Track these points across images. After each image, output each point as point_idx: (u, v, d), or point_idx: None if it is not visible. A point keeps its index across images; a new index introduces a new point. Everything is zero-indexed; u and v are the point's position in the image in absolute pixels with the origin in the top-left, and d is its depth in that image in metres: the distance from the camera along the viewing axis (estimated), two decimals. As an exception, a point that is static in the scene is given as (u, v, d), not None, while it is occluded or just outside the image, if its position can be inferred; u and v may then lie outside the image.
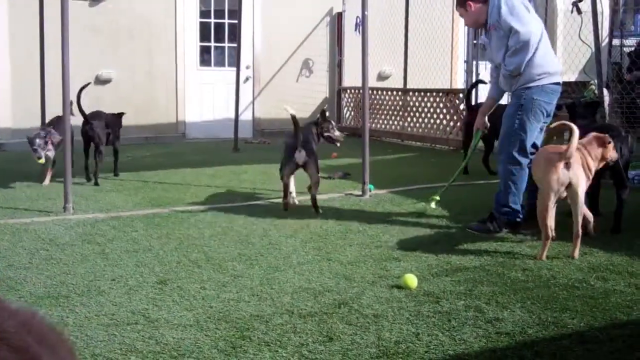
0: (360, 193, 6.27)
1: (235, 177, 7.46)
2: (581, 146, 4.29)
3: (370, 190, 6.30)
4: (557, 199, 4.16)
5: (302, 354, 2.79)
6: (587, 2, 7.51)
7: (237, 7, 10.36)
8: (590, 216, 4.52)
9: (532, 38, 4.60)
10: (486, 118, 5.17)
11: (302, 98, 11.87)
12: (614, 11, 8.60)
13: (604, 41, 8.62)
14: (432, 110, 10.38)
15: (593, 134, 4.43)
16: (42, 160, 6.65)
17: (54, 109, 7.35)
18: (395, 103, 11.26)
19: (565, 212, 5.20)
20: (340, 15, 12.24)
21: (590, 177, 4.29)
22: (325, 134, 6.20)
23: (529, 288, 3.60)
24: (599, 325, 3.06)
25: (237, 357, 2.77)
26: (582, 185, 4.08)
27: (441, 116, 10.18)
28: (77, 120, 6.87)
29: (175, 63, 11.34)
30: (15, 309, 0.97)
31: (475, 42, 9.48)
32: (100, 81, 10.79)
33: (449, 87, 11.63)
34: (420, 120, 10.68)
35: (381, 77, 12.46)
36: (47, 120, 7.67)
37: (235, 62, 10.41)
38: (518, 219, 4.83)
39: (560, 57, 8.29)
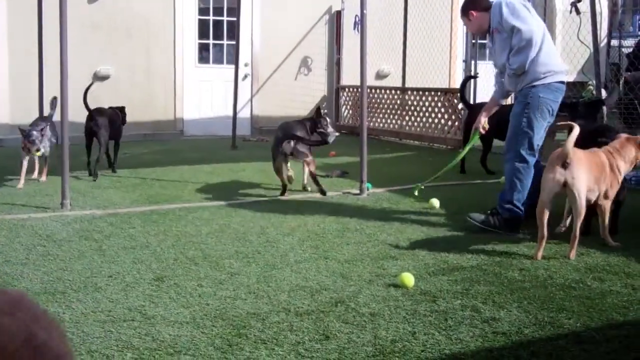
0: (358, 192, 6.28)
1: (233, 174, 7.45)
2: (612, 148, 4.32)
3: (368, 189, 6.30)
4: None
5: (299, 352, 2.80)
6: (586, 3, 7.52)
7: (235, 5, 10.35)
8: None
9: (534, 36, 4.65)
10: (486, 120, 5.18)
11: (301, 96, 11.87)
12: (612, 12, 8.61)
13: (603, 42, 8.64)
14: (430, 109, 10.38)
15: (624, 135, 4.47)
16: (40, 153, 6.60)
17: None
18: (393, 102, 11.26)
19: (561, 211, 5.22)
20: (339, 14, 12.24)
21: (619, 180, 4.31)
22: (318, 130, 6.40)
23: (525, 288, 3.60)
24: (596, 326, 3.06)
25: (234, 355, 2.77)
26: (579, 186, 4.07)
27: (439, 115, 10.19)
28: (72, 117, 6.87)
29: (173, 60, 11.33)
30: (3, 290, 0.97)
31: (474, 41, 9.48)
32: (99, 78, 10.76)
33: (447, 87, 11.63)
34: (418, 119, 10.68)
35: (379, 75, 12.45)
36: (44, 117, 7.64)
37: (234, 59, 10.41)
38: (519, 217, 4.85)
39: (558, 58, 8.28)
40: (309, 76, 12.29)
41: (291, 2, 11.87)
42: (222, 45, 11.88)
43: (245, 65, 11.63)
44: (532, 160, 4.79)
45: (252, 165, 7.69)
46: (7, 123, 10.09)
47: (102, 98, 10.77)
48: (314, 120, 6.53)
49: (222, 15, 11.79)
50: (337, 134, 6.71)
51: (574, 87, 8.72)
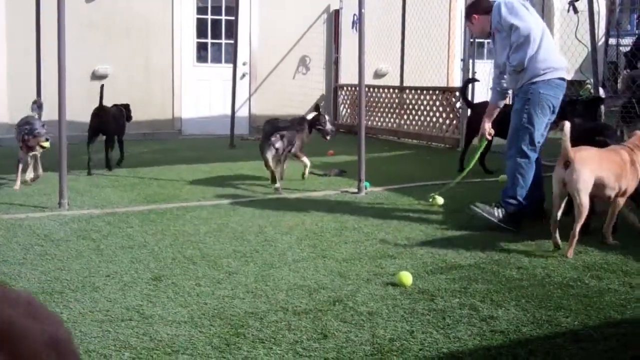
0: (356, 190, 6.27)
1: (231, 173, 7.45)
2: (632, 145, 4.38)
3: (366, 188, 6.30)
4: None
5: (297, 351, 2.79)
6: (584, 2, 7.52)
7: (234, 4, 10.34)
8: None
9: (532, 33, 4.72)
10: (490, 125, 5.23)
11: (299, 95, 11.87)
12: (610, 11, 8.62)
13: (600, 40, 8.64)
14: (428, 108, 10.38)
15: None
16: (48, 144, 6.32)
17: (50, 104, 7.31)
18: (391, 101, 11.26)
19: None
20: (337, 13, 12.23)
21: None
22: (317, 126, 6.70)
23: (523, 286, 3.60)
24: (593, 324, 3.06)
25: (231, 354, 2.77)
26: (578, 187, 4.09)
27: (437, 114, 10.19)
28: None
29: (171, 59, 11.31)
30: (16, 290, 0.97)
31: (471, 40, 9.48)
32: (97, 77, 10.76)
33: (445, 86, 11.63)
34: (416, 118, 10.68)
35: (378, 74, 12.45)
36: (42, 115, 7.62)
37: (232, 58, 10.40)
38: (522, 212, 4.89)
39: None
40: (307, 75, 12.29)
41: (289, 1, 11.86)
42: (220, 44, 11.87)
43: (244, 64, 11.62)
44: (533, 156, 4.85)
45: (250, 164, 7.68)
46: (6, 122, 10.07)
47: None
48: (313, 117, 6.77)
49: (221, 14, 11.78)
50: (333, 131, 7.02)
51: (571, 86, 8.71)
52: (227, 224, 5.08)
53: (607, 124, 5.13)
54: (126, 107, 8.16)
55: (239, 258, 4.17)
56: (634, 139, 4.43)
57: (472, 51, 9.53)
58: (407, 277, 3.63)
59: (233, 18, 10.46)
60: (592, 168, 4.13)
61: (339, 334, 2.97)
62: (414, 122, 10.76)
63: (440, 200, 5.74)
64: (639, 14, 10.15)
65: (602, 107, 7.32)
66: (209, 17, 11.72)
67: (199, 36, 11.64)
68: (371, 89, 11.58)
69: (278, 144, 6.37)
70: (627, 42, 9.01)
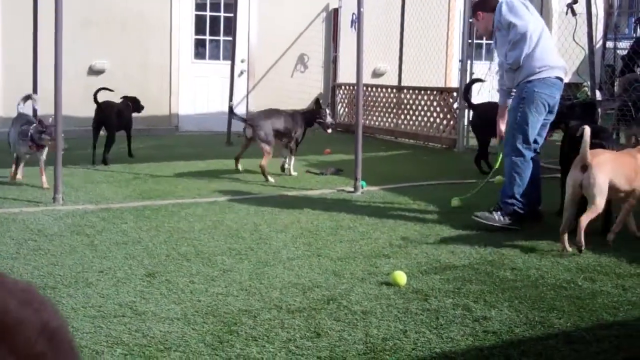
0: (352, 189, 6.27)
1: (227, 170, 7.44)
2: None
3: (362, 187, 6.30)
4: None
5: (290, 350, 2.79)
6: (582, 4, 7.53)
7: (233, 1, 10.33)
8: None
9: (529, 31, 4.75)
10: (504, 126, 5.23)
11: (297, 93, 11.85)
12: (608, 14, 8.63)
13: (598, 43, 8.65)
14: (425, 108, 10.38)
15: None
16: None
17: (46, 99, 7.29)
18: (389, 100, 11.26)
19: (555, 211, 5.23)
20: (336, 12, 12.22)
21: None
22: (318, 119, 6.96)
23: (517, 287, 3.61)
24: (586, 326, 3.07)
25: (224, 352, 2.77)
26: (595, 190, 4.14)
27: (435, 114, 10.19)
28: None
29: (169, 56, 11.30)
30: (15, 279, 0.97)
31: (470, 41, 9.48)
32: (94, 72, 10.75)
33: (443, 86, 11.63)
34: (414, 117, 10.68)
35: (376, 74, 12.45)
36: (39, 110, 7.60)
37: (230, 55, 10.39)
38: (522, 210, 4.91)
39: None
40: (306, 73, 12.28)
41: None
42: (218, 41, 11.86)
43: (242, 61, 11.61)
44: (528, 154, 4.87)
45: (247, 162, 7.66)
46: (1, 116, 10.06)
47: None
48: (314, 111, 7.05)
49: (219, 11, 11.77)
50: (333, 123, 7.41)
51: (569, 88, 8.73)
52: (222, 221, 5.07)
53: (603, 127, 5.14)
54: (134, 99, 8.32)
55: (234, 255, 4.17)
56: None
57: (471, 52, 9.53)
58: (401, 277, 3.63)
59: (232, 15, 10.45)
60: (608, 172, 4.19)
61: (332, 332, 2.97)
62: (411, 122, 10.76)
63: (456, 201, 5.66)
64: (636, 17, 10.16)
65: (600, 110, 7.33)
66: (208, 13, 11.71)
67: (197, 33, 11.63)
68: (369, 88, 11.58)
69: (251, 135, 6.86)
70: (625, 45, 9.02)
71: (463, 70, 9.44)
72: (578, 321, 3.12)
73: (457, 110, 9.53)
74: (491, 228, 4.82)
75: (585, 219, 4.17)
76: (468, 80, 9.32)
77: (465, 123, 9.46)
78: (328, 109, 7.20)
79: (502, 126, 5.21)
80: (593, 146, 4.57)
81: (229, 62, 10.36)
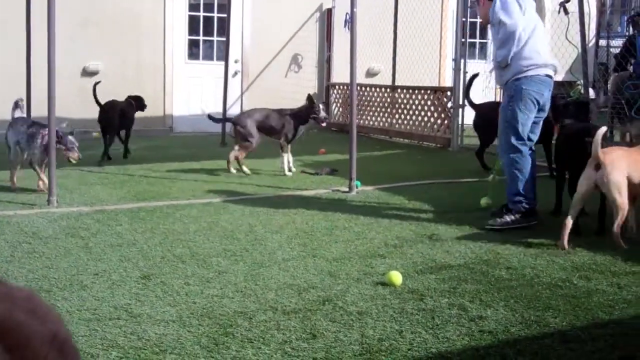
0: (347, 189, 6.27)
1: (221, 171, 7.43)
2: None
3: (357, 187, 6.30)
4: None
5: (285, 351, 2.79)
6: (574, 3, 7.54)
7: (226, 1, 10.32)
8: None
9: (517, 30, 4.78)
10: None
11: (291, 93, 11.83)
12: (600, 12, 8.65)
13: (591, 42, 8.67)
14: (420, 107, 10.40)
15: None
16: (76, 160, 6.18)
17: (39, 100, 7.26)
18: (383, 100, 11.26)
19: (550, 211, 5.24)
20: (329, 12, 12.22)
21: None
22: (312, 115, 7.17)
23: (512, 287, 3.61)
24: (581, 325, 3.07)
25: (220, 354, 2.76)
26: (611, 188, 4.17)
27: (429, 114, 10.20)
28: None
29: (163, 56, 11.27)
30: (19, 287, 0.96)
31: (463, 40, 9.49)
32: (87, 73, 10.71)
33: (437, 85, 11.64)
34: (408, 117, 10.69)
35: (370, 73, 12.45)
36: (32, 112, 7.57)
37: (224, 56, 10.37)
38: (532, 206, 4.93)
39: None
40: (300, 73, 12.27)
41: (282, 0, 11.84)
42: (212, 41, 11.84)
43: (236, 62, 11.59)
44: (525, 149, 4.90)
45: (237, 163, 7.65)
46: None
47: (90, 94, 10.70)
48: (306, 108, 7.26)
49: (213, 12, 11.75)
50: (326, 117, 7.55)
51: (562, 87, 8.75)
52: (217, 222, 5.07)
53: (597, 126, 5.13)
54: (138, 98, 8.49)
55: (229, 257, 4.16)
56: None
57: (464, 51, 9.55)
58: (396, 277, 3.63)
59: (225, 15, 10.43)
60: (623, 168, 4.21)
61: (328, 333, 2.97)
62: (405, 122, 10.77)
63: (485, 200, 5.66)
64: (629, 15, 10.19)
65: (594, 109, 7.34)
66: (201, 14, 11.69)
67: (190, 33, 11.61)
68: (363, 88, 11.58)
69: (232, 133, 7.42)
70: (618, 43, 9.05)
71: (457, 69, 9.46)
72: (574, 320, 3.13)
73: (452, 110, 9.54)
74: (510, 227, 4.81)
75: (616, 227, 4.21)
76: (462, 79, 9.35)
77: (460, 122, 9.47)
78: (322, 105, 7.32)
79: None
80: (588, 144, 4.59)
81: (223, 62, 10.35)
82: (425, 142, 10.19)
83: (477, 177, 7.13)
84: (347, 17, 11.31)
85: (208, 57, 11.84)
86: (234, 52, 11.15)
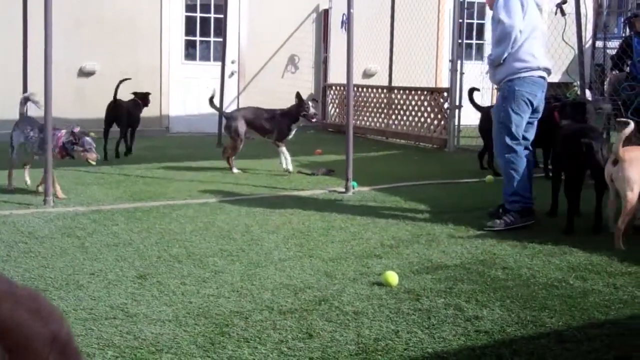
0: (343, 190, 6.27)
1: (218, 172, 7.43)
2: None
3: (353, 188, 6.30)
4: None
5: (282, 351, 2.79)
6: (571, 4, 7.55)
7: (223, 2, 10.31)
8: None
9: (514, 31, 4.77)
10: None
11: (288, 94, 11.75)
12: (597, 13, 8.67)
13: (587, 43, 8.68)
14: (416, 108, 10.41)
15: None
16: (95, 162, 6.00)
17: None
18: (380, 100, 11.27)
19: (546, 211, 5.25)
20: (326, 12, 12.22)
21: None
22: (303, 113, 7.29)
23: (508, 287, 3.61)
24: (577, 325, 3.08)
25: (216, 353, 2.76)
26: (624, 184, 4.24)
27: (425, 114, 10.21)
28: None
29: (160, 57, 11.27)
30: (24, 286, 0.96)
31: (460, 41, 9.51)
32: (84, 73, 10.71)
33: (433, 86, 11.65)
34: (404, 118, 10.70)
35: (366, 74, 12.46)
36: (29, 112, 7.55)
37: (221, 56, 10.37)
38: (530, 205, 4.93)
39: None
40: (296, 74, 12.27)
41: (278, 0, 11.84)
42: (209, 42, 11.83)
43: (232, 62, 11.59)
44: (519, 149, 4.90)
45: (238, 163, 7.65)
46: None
47: (87, 94, 10.72)
48: (296, 107, 7.37)
49: (209, 12, 11.75)
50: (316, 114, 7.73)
51: (558, 88, 8.76)
52: (214, 222, 5.06)
53: (593, 126, 5.15)
54: (144, 96, 8.81)
55: (225, 257, 4.16)
56: None
57: (461, 52, 9.56)
58: (393, 277, 3.63)
59: (222, 16, 10.43)
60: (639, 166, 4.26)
61: (324, 333, 2.97)
62: (402, 122, 10.78)
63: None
64: (625, 16, 10.21)
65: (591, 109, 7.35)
66: (198, 14, 11.69)
67: (187, 34, 11.60)
68: (360, 89, 11.59)
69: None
70: (614, 44, 9.06)
71: (453, 70, 9.46)
72: (569, 320, 3.13)
73: (448, 110, 9.55)
74: (509, 228, 4.82)
75: (621, 222, 4.27)
76: (459, 80, 9.37)
77: (456, 123, 9.48)
78: (311, 102, 7.45)
79: None
80: (584, 145, 4.60)
81: (220, 63, 10.35)
82: (421, 143, 10.21)
83: (473, 177, 7.14)
84: (344, 18, 11.31)
85: (205, 57, 11.83)
86: (230, 53, 11.15)
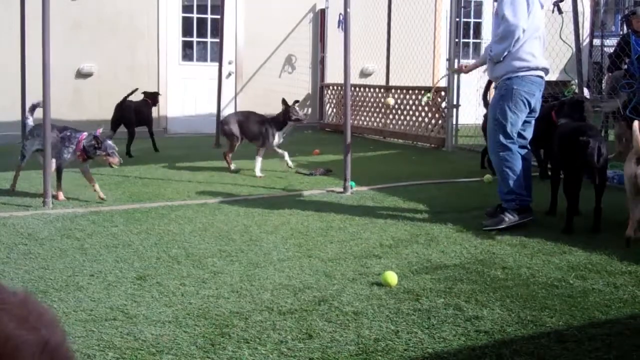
0: (341, 190, 6.27)
1: (216, 172, 7.43)
2: None
3: (351, 188, 6.30)
4: None
5: (281, 351, 2.79)
6: (568, 2, 7.56)
7: (219, 2, 10.31)
8: None
9: (517, 30, 4.74)
10: None
11: (285, 94, 11.73)
12: (594, 11, 8.68)
13: (585, 41, 8.69)
14: (414, 107, 10.41)
15: None
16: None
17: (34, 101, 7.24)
18: (377, 100, 11.27)
19: (545, 210, 5.25)
20: (323, 12, 12.23)
21: None
22: (293, 117, 7.37)
23: (508, 286, 3.62)
24: (578, 324, 3.08)
25: (216, 354, 2.76)
26: None
27: (423, 114, 10.21)
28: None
29: (157, 58, 11.26)
30: (13, 291, 0.95)
31: (457, 40, 9.51)
32: (82, 75, 10.69)
33: (431, 85, 11.65)
34: (402, 117, 10.70)
35: (364, 74, 12.46)
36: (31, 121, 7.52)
37: (218, 57, 10.36)
38: (526, 203, 4.93)
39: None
40: (293, 74, 12.28)
41: (275, 0, 11.84)
42: (206, 42, 11.83)
43: (229, 63, 11.59)
44: (514, 147, 4.90)
45: (236, 164, 7.66)
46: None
47: (85, 95, 10.71)
48: (283, 113, 7.45)
49: (206, 13, 11.74)
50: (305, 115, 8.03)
51: (556, 86, 8.78)
52: (212, 223, 5.06)
53: (591, 125, 5.15)
54: (153, 95, 9.13)
55: (224, 257, 4.16)
56: None
57: (458, 51, 9.56)
58: (392, 277, 3.63)
59: (219, 16, 10.42)
60: None
61: (324, 334, 2.97)
62: (399, 122, 10.79)
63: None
64: (623, 14, 10.23)
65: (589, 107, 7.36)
66: (195, 15, 11.68)
67: (184, 35, 11.59)
68: (357, 88, 11.59)
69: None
70: (612, 42, 9.08)
71: (450, 69, 9.46)
72: (570, 320, 3.14)
73: (446, 110, 9.56)
74: (507, 226, 4.82)
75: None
76: (456, 79, 9.37)
77: (454, 122, 9.49)
78: (296, 105, 7.53)
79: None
80: (582, 144, 4.60)
81: (217, 63, 10.34)
82: (419, 142, 10.21)
83: (471, 177, 7.14)
84: (341, 17, 11.32)
85: (202, 58, 11.82)
86: (227, 53, 11.15)
